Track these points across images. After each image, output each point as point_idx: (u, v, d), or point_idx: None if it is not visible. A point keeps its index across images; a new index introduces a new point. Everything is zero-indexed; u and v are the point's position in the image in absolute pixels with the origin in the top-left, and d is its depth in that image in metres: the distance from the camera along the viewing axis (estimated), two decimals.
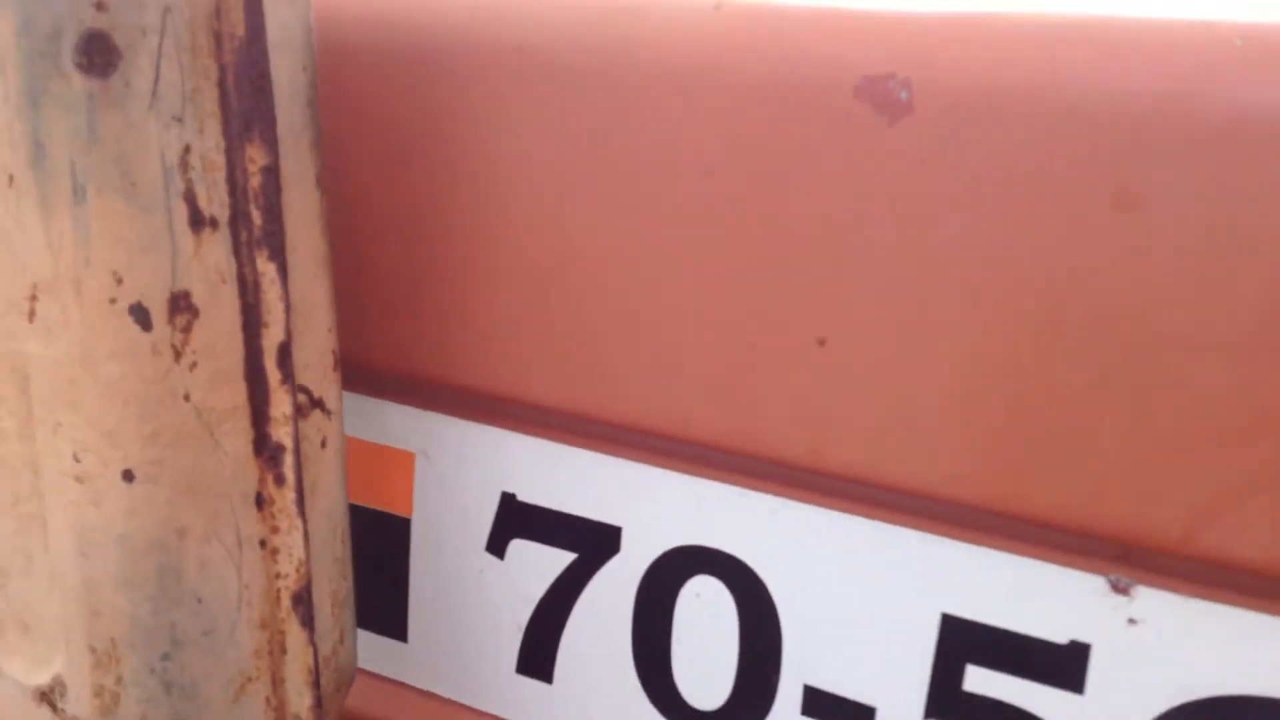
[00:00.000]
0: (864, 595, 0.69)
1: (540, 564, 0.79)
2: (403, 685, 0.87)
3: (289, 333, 0.68)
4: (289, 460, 0.69)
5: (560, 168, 0.72)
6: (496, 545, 0.81)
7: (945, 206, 0.62)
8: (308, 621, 0.71)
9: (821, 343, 0.66)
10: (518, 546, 0.80)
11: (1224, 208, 0.56)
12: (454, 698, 0.85)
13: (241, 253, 0.66)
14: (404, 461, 0.83)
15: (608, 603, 0.77)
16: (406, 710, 0.86)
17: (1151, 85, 0.58)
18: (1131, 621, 0.62)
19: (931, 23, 0.64)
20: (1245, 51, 0.57)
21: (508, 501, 0.79)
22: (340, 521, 0.75)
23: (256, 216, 0.66)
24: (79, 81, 0.61)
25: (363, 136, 0.78)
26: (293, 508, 0.69)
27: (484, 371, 0.77)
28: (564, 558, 0.78)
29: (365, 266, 0.81)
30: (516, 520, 0.79)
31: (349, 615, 0.76)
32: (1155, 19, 0.60)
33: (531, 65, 0.72)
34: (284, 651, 0.70)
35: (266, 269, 0.67)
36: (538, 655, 0.81)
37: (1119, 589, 0.62)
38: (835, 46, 0.65)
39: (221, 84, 0.64)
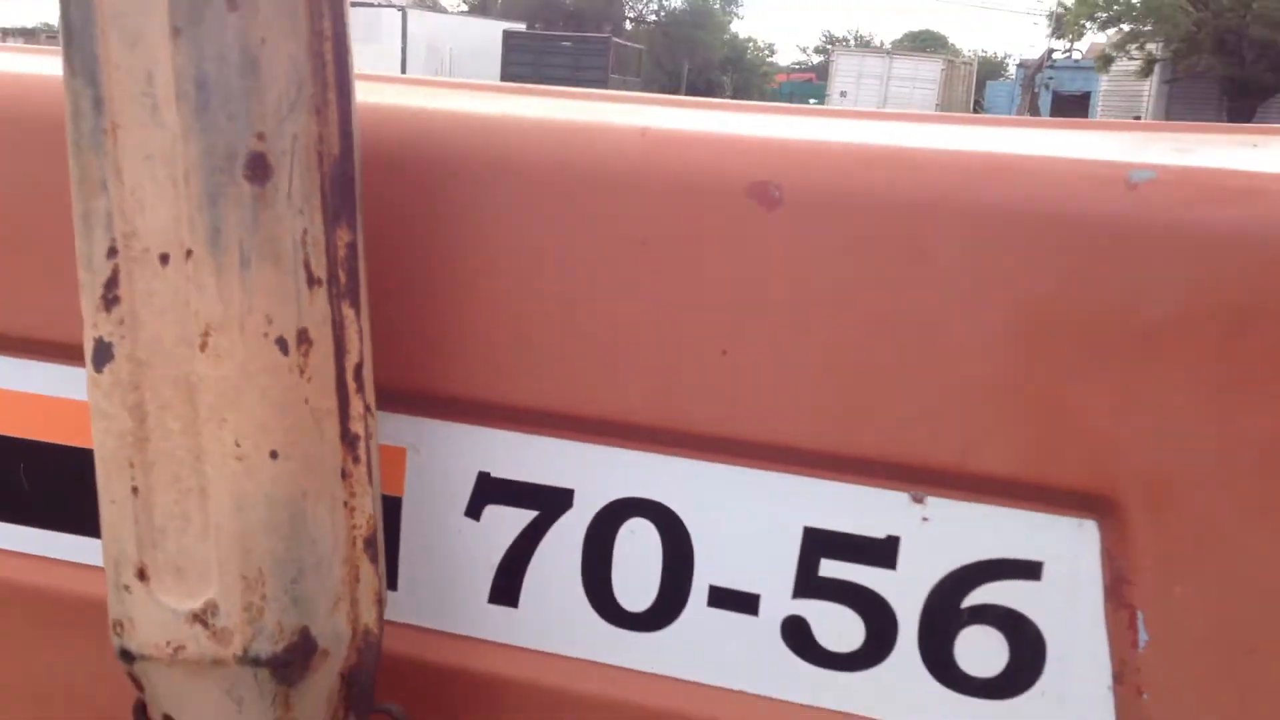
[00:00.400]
0: (751, 519, 1.05)
1: (509, 521, 1.11)
2: (393, 623, 1.15)
3: (362, 357, 0.98)
4: (362, 446, 0.98)
5: (533, 240, 1.05)
6: (474, 511, 1.11)
7: (802, 263, 0.99)
8: (375, 559, 1.00)
9: (724, 353, 1.02)
10: (491, 510, 1.11)
11: (965, 259, 0.96)
12: (437, 627, 1.14)
13: (333, 302, 0.96)
14: (397, 456, 1.13)
15: (563, 544, 1.10)
16: (398, 640, 1.14)
17: (927, 188, 0.97)
18: (924, 520, 1.01)
19: (794, 145, 1.02)
20: (985, 169, 0.98)
21: (484, 478, 1.11)
22: (379, 491, 1.04)
23: (342, 277, 0.96)
24: (247, 188, 0.90)
25: (378, 225, 1.08)
26: (365, 479, 0.99)
27: (465, 381, 1.09)
28: (528, 515, 1.10)
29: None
30: (491, 491, 1.11)
31: (383, 560, 1.05)
32: (931, 148, 1.00)
33: (510, 169, 1.05)
34: (357, 580, 0.99)
35: (348, 313, 0.97)
36: (506, 587, 1.12)
37: (916, 499, 1.01)
38: (732, 160, 1.01)
39: (322, 186, 0.94)
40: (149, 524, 0.94)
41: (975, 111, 54.51)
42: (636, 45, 57.26)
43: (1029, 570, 0.99)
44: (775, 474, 1.04)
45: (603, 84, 45.53)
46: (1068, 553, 0.98)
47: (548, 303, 1.05)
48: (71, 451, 1.19)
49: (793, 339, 1.00)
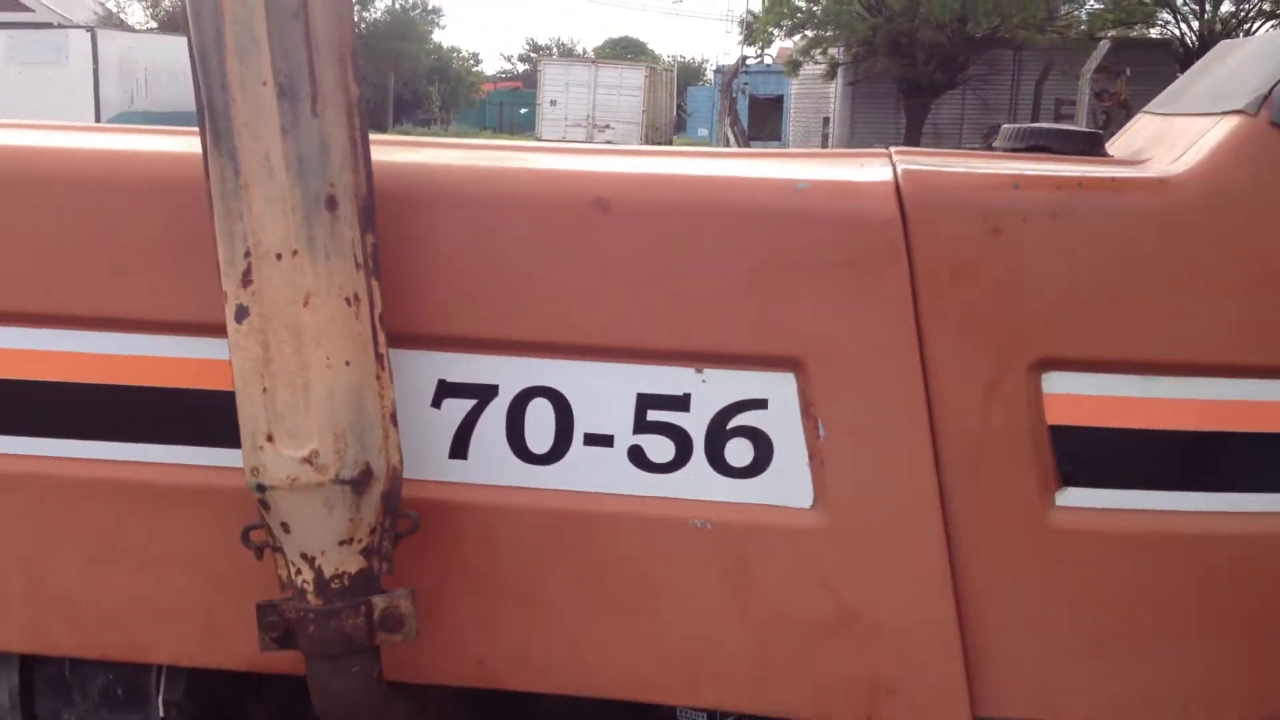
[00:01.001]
0: (607, 392, 1.82)
1: (459, 407, 1.84)
2: None
3: (382, 309, 1.70)
4: (385, 360, 1.71)
5: (466, 243, 1.79)
6: (437, 403, 1.84)
7: (625, 244, 1.78)
8: (395, 427, 1.72)
9: (585, 296, 1.79)
10: (447, 402, 1.84)
11: (717, 236, 1.77)
12: (418, 477, 1.86)
13: (367, 278, 1.68)
14: None
15: (494, 418, 1.84)
16: None
17: (693, 197, 1.78)
18: (704, 381, 1.80)
19: (617, 174, 1.81)
20: (724, 184, 1.79)
21: (442, 382, 1.84)
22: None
23: (370, 263, 1.69)
24: (326, 215, 1.62)
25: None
26: (387, 380, 1.71)
27: (427, 325, 1.82)
28: (471, 402, 1.84)
29: None
30: (447, 390, 1.84)
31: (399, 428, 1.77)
32: (691, 173, 1.81)
33: (448, 199, 1.79)
34: (388, 438, 1.71)
35: (374, 284, 1.69)
36: (459, 447, 1.85)
37: (698, 371, 1.80)
38: (589, 185, 1.79)
39: (358, 212, 1.67)
40: (274, 409, 1.64)
41: (679, 116, 56.56)
42: None
43: (762, 404, 1.80)
44: (619, 364, 1.81)
45: None
46: (780, 392, 1.80)
47: (477, 276, 1.80)
48: (170, 392, 1.85)
49: (623, 286, 1.79)
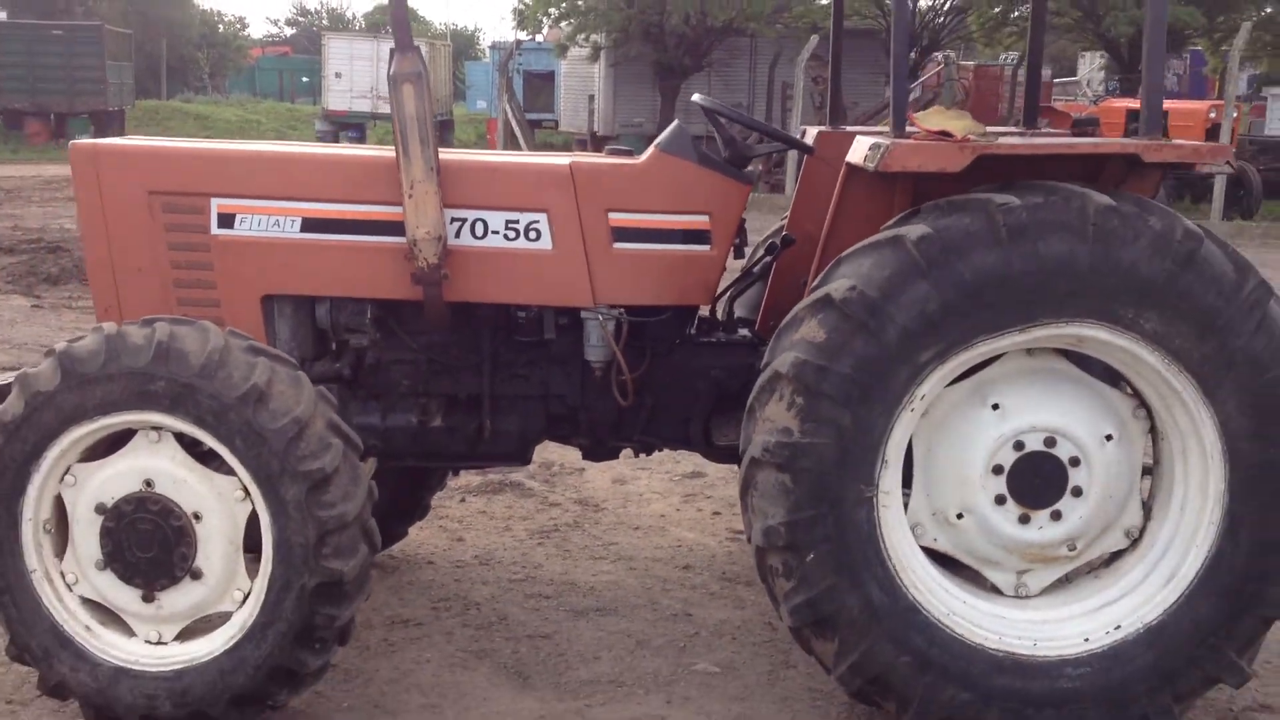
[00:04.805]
0: (494, 221, 6.76)
1: (460, 221, 6.77)
2: None
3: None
4: (441, 205, 6.64)
5: None
6: (450, 222, 6.76)
7: (499, 182, 6.75)
8: (444, 222, 6.66)
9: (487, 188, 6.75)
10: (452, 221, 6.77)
11: None
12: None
13: (437, 184, 6.60)
14: None
15: (468, 230, 6.77)
16: None
17: (526, 169, 6.80)
18: (520, 215, 6.77)
19: (501, 161, 6.82)
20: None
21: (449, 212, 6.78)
22: None
23: (439, 179, 6.63)
24: (433, 171, 6.58)
25: None
26: (441, 210, 6.65)
27: (453, 198, 6.75)
28: (461, 221, 6.77)
29: None
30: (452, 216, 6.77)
31: None
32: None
33: None
34: (443, 226, 6.61)
35: (439, 186, 6.64)
36: (457, 233, 6.78)
37: (521, 212, 6.77)
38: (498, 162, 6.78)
39: (438, 171, 6.63)
40: (418, 216, 5.93)
41: (456, 88, 60.34)
42: (126, 31, 57.78)
43: (538, 221, 6.65)
44: (497, 211, 6.74)
45: (100, 70, 46.45)
46: (542, 217, 6.69)
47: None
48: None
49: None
